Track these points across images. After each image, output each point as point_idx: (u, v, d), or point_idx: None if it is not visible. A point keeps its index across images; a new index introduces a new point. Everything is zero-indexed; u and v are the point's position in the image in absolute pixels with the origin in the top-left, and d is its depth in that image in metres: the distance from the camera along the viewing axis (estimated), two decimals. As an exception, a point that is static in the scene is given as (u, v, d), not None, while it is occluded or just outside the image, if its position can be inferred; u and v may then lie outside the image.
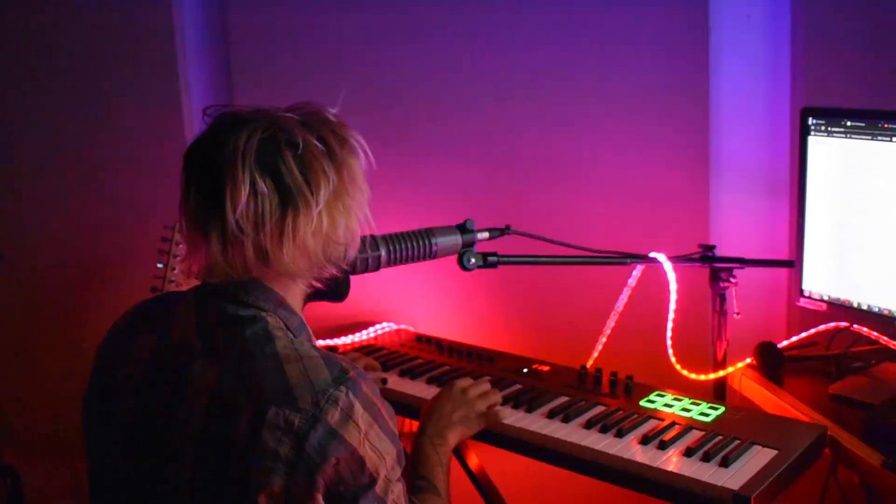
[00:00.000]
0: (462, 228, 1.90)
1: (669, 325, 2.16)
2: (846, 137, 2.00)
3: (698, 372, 2.19)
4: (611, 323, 2.24)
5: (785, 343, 2.25)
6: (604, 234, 2.45)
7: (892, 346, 2.04)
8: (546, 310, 2.65)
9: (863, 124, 1.96)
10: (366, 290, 2.57)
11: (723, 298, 2.14)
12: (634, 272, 2.20)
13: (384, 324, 2.58)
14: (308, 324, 1.42)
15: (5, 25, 2.42)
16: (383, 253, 1.78)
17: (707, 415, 1.86)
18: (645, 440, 1.76)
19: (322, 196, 1.30)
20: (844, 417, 1.86)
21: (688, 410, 1.89)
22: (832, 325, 2.19)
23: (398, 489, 1.35)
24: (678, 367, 2.19)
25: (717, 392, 2.18)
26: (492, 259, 1.94)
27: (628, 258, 2.12)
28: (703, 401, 1.93)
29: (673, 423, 1.83)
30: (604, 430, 1.81)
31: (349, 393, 1.29)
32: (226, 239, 1.29)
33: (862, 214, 1.99)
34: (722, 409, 1.89)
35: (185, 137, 2.50)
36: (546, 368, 2.17)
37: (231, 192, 1.26)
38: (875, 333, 2.09)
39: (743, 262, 2.14)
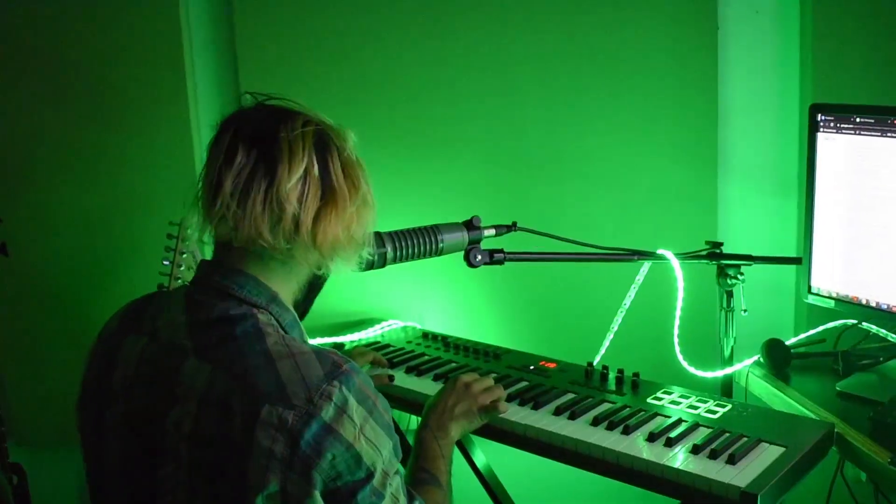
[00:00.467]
0: (468, 225, 1.90)
1: (677, 322, 2.16)
2: (855, 134, 1.99)
3: (705, 369, 2.19)
4: (618, 320, 2.23)
5: (792, 340, 2.24)
6: (611, 231, 2.46)
7: (901, 344, 2.04)
8: (553, 307, 2.64)
9: (872, 121, 1.95)
10: (372, 287, 2.59)
11: (730, 295, 2.14)
12: (642, 269, 2.19)
13: (390, 321, 2.58)
14: (315, 321, 1.42)
15: (13, 22, 2.42)
16: (389, 249, 1.78)
17: (714, 412, 1.86)
18: (652, 437, 1.75)
19: (355, 200, 1.39)
20: (852, 415, 1.86)
21: (695, 408, 1.89)
22: (840, 322, 2.18)
23: (396, 482, 1.35)
24: (685, 364, 2.19)
25: (725, 389, 2.18)
26: (498, 256, 1.94)
27: (636, 255, 2.12)
28: (711, 398, 1.93)
29: (680, 421, 1.82)
30: (610, 428, 1.81)
31: (343, 387, 1.28)
32: (268, 201, 1.31)
33: (871, 211, 1.98)
34: (729, 406, 1.89)
35: (191, 133, 2.50)
36: (552, 365, 2.16)
37: (290, 163, 1.32)
38: (883, 331, 2.09)
39: (751, 258, 2.14)
